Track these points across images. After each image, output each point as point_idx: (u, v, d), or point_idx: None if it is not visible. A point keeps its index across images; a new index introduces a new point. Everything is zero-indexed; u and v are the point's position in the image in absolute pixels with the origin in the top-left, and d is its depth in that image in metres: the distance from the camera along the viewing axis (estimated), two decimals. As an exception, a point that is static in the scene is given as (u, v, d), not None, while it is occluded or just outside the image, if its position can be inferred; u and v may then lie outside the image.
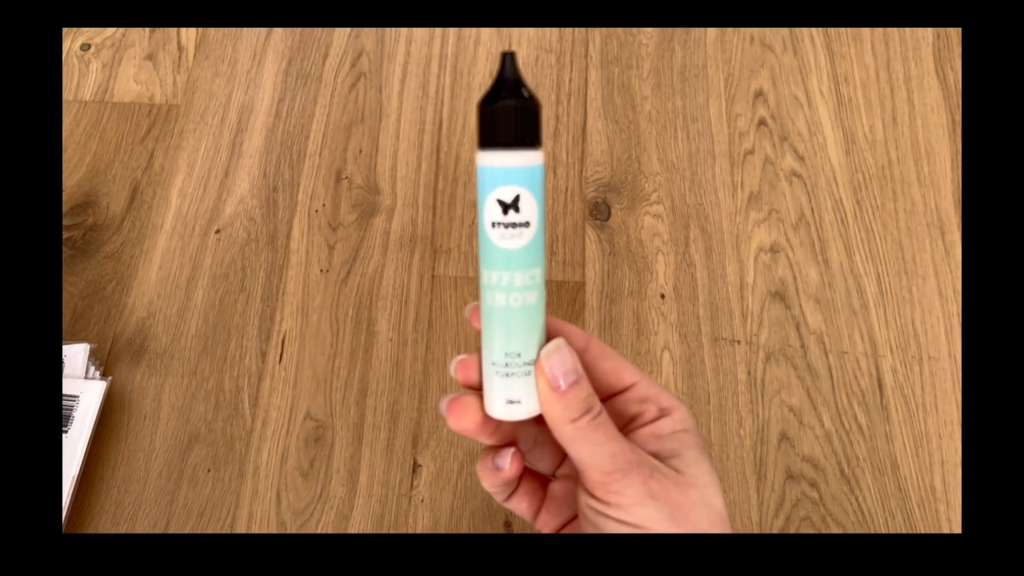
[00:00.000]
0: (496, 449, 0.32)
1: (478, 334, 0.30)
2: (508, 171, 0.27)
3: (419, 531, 0.53)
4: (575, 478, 0.34)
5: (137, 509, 0.54)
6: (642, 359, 0.58)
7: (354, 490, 0.54)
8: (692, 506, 0.28)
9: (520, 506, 0.34)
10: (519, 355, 0.29)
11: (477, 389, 0.31)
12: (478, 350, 0.31)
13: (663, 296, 0.60)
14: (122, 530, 0.53)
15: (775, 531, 0.52)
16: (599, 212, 0.64)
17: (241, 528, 0.53)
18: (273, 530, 0.53)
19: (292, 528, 0.53)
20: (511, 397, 0.29)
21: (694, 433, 0.30)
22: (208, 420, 0.56)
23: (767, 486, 0.54)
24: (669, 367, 0.57)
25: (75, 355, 0.56)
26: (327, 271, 0.62)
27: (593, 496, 0.28)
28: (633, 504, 0.27)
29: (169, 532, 0.53)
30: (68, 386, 0.54)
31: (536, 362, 0.29)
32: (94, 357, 0.57)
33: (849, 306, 0.60)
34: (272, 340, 0.59)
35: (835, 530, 0.52)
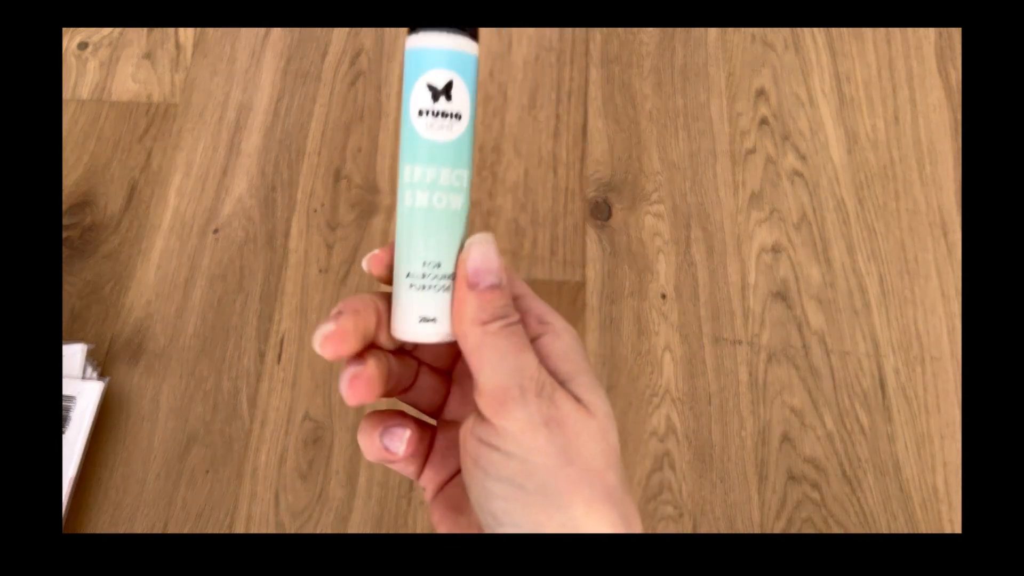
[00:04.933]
0: (385, 426, 0.29)
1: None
2: (443, 54, 0.25)
3: (419, 532, 0.53)
4: (459, 424, 0.30)
5: (135, 510, 0.53)
6: (643, 359, 0.58)
7: (353, 492, 0.54)
8: (589, 438, 0.25)
9: (408, 469, 0.30)
10: (439, 265, 0.26)
11: (370, 348, 0.27)
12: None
13: (664, 296, 0.60)
14: (120, 531, 0.53)
15: (776, 532, 0.52)
16: (600, 212, 0.63)
17: (240, 529, 0.53)
18: (272, 531, 0.53)
19: (291, 529, 0.53)
20: (425, 314, 0.26)
21: (585, 356, 0.27)
22: (206, 421, 0.56)
23: (768, 487, 0.54)
24: (670, 367, 0.57)
25: (73, 355, 0.55)
26: (326, 271, 0.61)
27: (481, 420, 0.25)
28: (523, 430, 0.24)
29: (167, 534, 0.53)
30: (66, 386, 0.54)
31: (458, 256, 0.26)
32: (92, 357, 0.56)
33: (851, 306, 0.59)
34: (271, 341, 0.59)
35: (837, 531, 0.52)
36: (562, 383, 0.26)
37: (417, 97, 0.25)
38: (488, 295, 0.26)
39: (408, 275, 0.26)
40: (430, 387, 0.31)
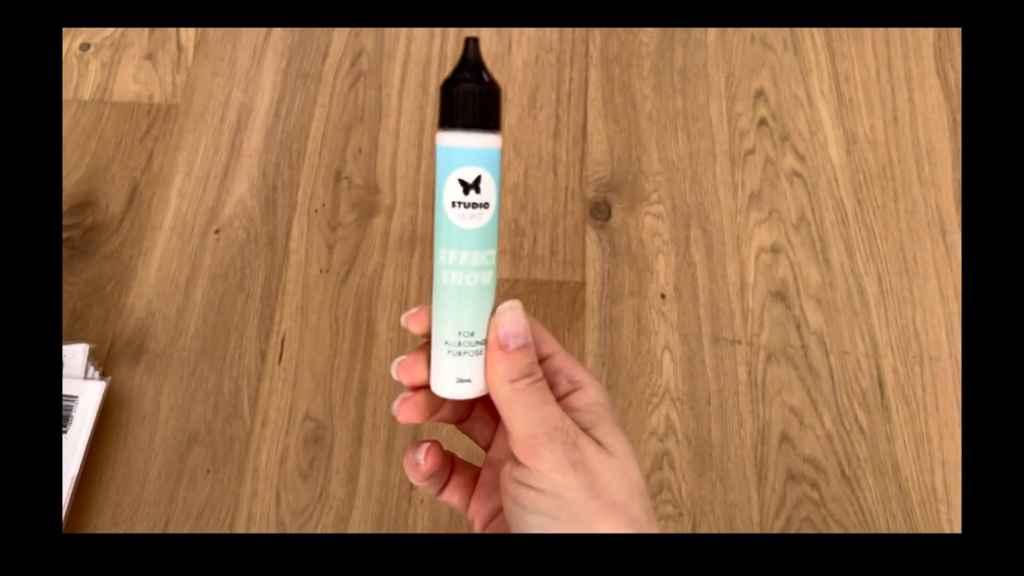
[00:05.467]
0: (417, 445, 0.33)
1: (423, 333, 0.31)
2: (471, 152, 0.28)
3: (419, 532, 0.53)
4: (504, 461, 0.35)
5: (136, 510, 0.54)
6: (643, 359, 0.58)
7: (353, 491, 0.54)
8: (611, 476, 0.28)
9: (452, 499, 0.35)
10: (472, 334, 0.29)
11: (421, 387, 0.32)
12: (423, 347, 0.31)
13: (664, 296, 0.60)
14: (121, 531, 0.53)
15: (776, 532, 0.52)
16: (599, 212, 0.63)
17: (240, 529, 0.53)
18: (272, 531, 0.53)
19: (291, 529, 0.53)
20: (462, 376, 0.30)
21: (608, 407, 0.31)
22: (207, 421, 0.56)
23: (768, 487, 0.54)
24: (670, 367, 0.57)
25: (74, 355, 0.56)
26: (327, 271, 0.62)
27: (516, 464, 0.29)
28: (553, 470, 0.28)
29: (168, 533, 0.53)
30: (67, 386, 0.54)
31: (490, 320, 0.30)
32: (93, 357, 0.57)
33: (850, 306, 0.59)
34: (271, 340, 0.59)
35: (836, 531, 0.52)
36: (586, 430, 0.30)
37: (450, 190, 0.29)
38: (517, 355, 0.29)
39: (446, 343, 0.30)
40: (483, 420, 0.36)
